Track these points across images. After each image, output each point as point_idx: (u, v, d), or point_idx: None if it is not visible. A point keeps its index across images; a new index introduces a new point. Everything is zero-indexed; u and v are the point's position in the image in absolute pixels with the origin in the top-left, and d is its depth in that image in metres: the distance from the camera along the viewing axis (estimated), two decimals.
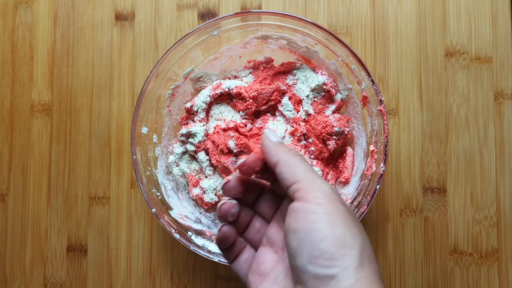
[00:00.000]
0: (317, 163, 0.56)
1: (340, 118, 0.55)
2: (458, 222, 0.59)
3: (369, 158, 0.53)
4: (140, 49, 0.63)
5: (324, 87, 0.55)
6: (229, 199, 0.38)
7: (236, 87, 0.56)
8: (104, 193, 0.61)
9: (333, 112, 0.56)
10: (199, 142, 0.56)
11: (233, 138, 0.55)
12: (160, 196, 0.55)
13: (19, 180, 0.62)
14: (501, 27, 0.61)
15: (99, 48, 0.63)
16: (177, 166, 0.58)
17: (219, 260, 0.50)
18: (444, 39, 0.61)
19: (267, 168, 0.38)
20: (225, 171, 0.56)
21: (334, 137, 0.55)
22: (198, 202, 0.58)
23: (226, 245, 0.39)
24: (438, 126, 0.60)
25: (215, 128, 0.56)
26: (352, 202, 0.52)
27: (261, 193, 0.40)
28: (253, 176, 0.39)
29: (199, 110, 0.56)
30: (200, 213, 0.58)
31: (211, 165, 0.57)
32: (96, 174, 0.62)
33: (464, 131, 0.60)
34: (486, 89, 0.60)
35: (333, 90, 0.56)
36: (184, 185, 0.59)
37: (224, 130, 0.56)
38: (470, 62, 0.61)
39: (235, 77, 0.59)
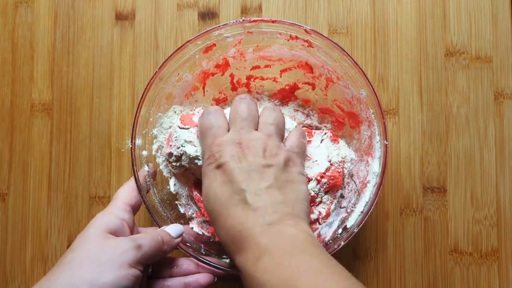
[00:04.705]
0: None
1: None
2: (458, 221, 0.59)
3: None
4: (140, 49, 0.63)
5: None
6: None
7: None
8: (105, 193, 0.61)
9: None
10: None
11: None
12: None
13: (19, 179, 0.62)
14: (501, 26, 0.61)
15: (99, 47, 0.63)
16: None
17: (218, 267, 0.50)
18: (444, 38, 0.61)
19: None
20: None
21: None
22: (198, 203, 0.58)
23: None
24: (438, 125, 0.60)
25: None
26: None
27: None
28: None
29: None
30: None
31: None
32: (97, 174, 0.62)
33: (464, 131, 0.60)
34: (486, 88, 0.60)
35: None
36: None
37: None
38: (470, 62, 0.61)
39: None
